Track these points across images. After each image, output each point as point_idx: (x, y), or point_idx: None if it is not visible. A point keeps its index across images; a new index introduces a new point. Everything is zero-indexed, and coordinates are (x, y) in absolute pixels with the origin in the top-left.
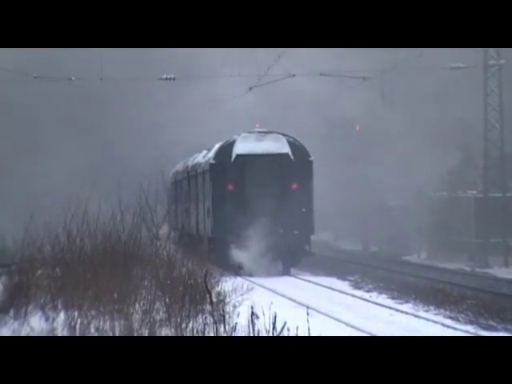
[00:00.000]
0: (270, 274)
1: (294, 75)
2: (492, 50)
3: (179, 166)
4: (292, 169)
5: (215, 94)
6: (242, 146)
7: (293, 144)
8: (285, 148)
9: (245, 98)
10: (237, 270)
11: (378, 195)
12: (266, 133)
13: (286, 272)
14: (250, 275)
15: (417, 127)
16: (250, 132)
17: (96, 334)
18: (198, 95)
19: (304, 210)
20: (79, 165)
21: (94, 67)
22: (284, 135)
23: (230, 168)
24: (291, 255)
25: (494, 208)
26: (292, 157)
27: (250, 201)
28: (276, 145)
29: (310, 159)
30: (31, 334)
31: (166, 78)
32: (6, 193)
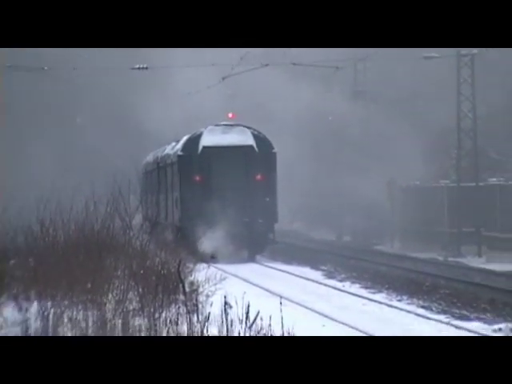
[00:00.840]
0: (235, 260)
1: (266, 65)
2: None
3: (149, 157)
4: (256, 160)
5: (188, 84)
6: (209, 139)
7: (257, 137)
8: (249, 140)
9: (218, 89)
10: (210, 260)
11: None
12: (231, 126)
13: (251, 259)
14: (216, 262)
15: (390, 120)
16: (216, 125)
17: (69, 325)
18: (170, 84)
19: (268, 199)
20: (52, 155)
21: (69, 56)
22: (249, 128)
23: (196, 159)
24: (256, 243)
25: (467, 198)
26: (256, 149)
27: (217, 191)
28: (241, 137)
29: (274, 151)
30: (4, 325)
31: (139, 68)
32: None
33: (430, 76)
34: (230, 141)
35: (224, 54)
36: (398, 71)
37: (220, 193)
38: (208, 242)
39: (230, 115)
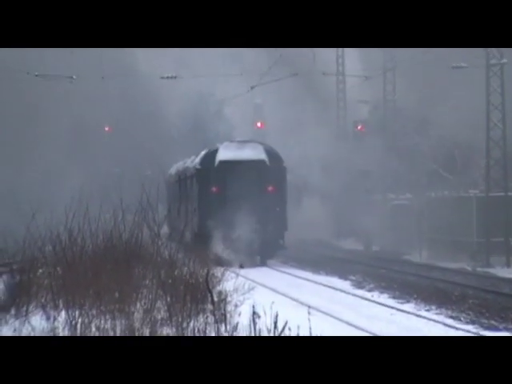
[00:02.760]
0: (248, 265)
1: (296, 74)
2: (494, 49)
3: (172, 170)
4: (268, 174)
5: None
6: (224, 154)
7: (269, 152)
8: (262, 155)
9: (246, 98)
10: (237, 268)
11: (377, 194)
12: (245, 142)
13: (263, 263)
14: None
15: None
16: (231, 141)
17: (97, 334)
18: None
19: (278, 209)
20: (80, 163)
21: (95, 63)
22: (261, 144)
23: (213, 172)
24: (267, 249)
25: (496, 207)
26: (268, 163)
27: (231, 201)
28: (254, 152)
29: (284, 165)
30: (32, 333)
31: (168, 77)
32: (8, 192)
33: (459, 86)
34: (243, 156)
35: (253, 63)
36: (425, 82)
37: (234, 203)
38: (222, 247)
39: (259, 124)
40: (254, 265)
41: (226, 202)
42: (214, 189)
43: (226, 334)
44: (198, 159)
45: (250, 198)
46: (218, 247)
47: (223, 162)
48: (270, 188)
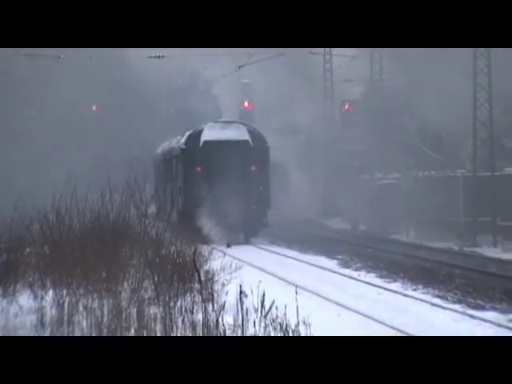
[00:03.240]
0: (232, 243)
1: (283, 54)
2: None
3: (158, 150)
4: (251, 153)
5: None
6: (209, 134)
7: (252, 132)
8: (245, 136)
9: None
10: (224, 247)
11: (365, 173)
12: (229, 122)
13: (246, 241)
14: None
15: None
16: (215, 122)
17: (84, 313)
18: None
19: (261, 188)
20: (67, 143)
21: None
22: (245, 125)
23: (198, 152)
24: (251, 227)
25: (483, 187)
26: (251, 143)
27: (216, 181)
28: (238, 133)
29: (267, 145)
30: (20, 312)
31: (155, 57)
32: None
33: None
34: (227, 136)
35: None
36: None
37: (219, 182)
38: (206, 225)
39: (246, 104)
40: (237, 242)
41: (210, 181)
42: (198, 168)
43: (213, 314)
44: (183, 139)
45: (233, 177)
46: (203, 225)
47: (207, 142)
48: (253, 167)
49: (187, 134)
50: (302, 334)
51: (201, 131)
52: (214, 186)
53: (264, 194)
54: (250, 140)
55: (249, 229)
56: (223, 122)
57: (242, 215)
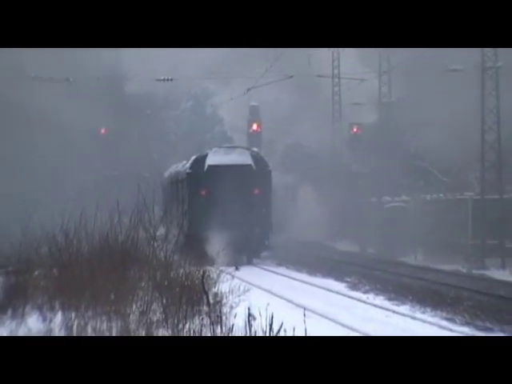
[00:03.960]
0: (235, 264)
1: (291, 76)
2: (490, 52)
3: (166, 173)
4: (254, 177)
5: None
6: (213, 159)
7: (255, 157)
8: (248, 160)
9: (242, 100)
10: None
11: (373, 196)
12: (233, 147)
13: (249, 262)
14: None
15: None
16: (220, 147)
17: (93, 335)
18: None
19: (264, 210)
20: (77, 165)
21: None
22: (248, 149)
23: (203, 176)
24: (253, 249)
25: (491, 210)
26: (254, 167)
27: (220, 203)
28: (241, 157)
29: (269, 169)
30: (29, 335)
31: (164, 79)
32: (4, 194)
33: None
34: (231, 160)
35: (249, 66)
36: (421, 84)
37: (222, 205)
38: (211, 247)
39: (255, 127)
40: (240, 264)
41: (214, 204)
42: (203, 192)
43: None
44: (188, 164)
45: (237, 200)
46: (208, 247)
47: (212, 167)
48: (256, 191)
49: (193, 158)
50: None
51: (205, 156)
52: (218, 208)
53: (266, 216)
54: (252, 164)
55: (251, 250)
56: (227, 147)
57: (244, 237)
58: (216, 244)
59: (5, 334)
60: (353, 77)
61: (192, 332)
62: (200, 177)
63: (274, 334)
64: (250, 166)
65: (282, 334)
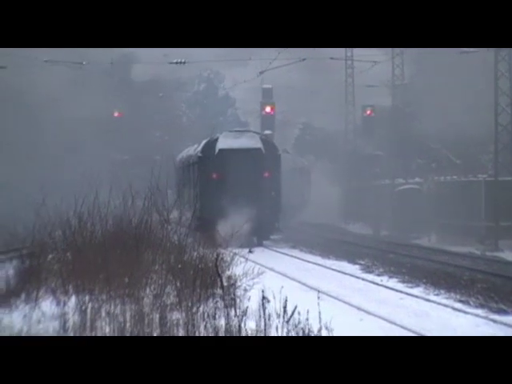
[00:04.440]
0: (247, 246)
1: (304, 59)
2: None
3: (179, 156)
4: (264, 161)
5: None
6: (224, 142)
7: (265, 141)
8: (258, 144)
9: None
10: (247, 253)
11: (386, 178)
12: (243, 131)
13: (259, 244)
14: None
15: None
16: (230, 131)
17: (107, 319)
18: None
19: (273, 193)
20: (91, 150)
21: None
22: (258, 133)
23: (213, 160)
24: (264, 231)
25: (505, 192)
26: (264, 151)
27: (230, 186)
28: (251, 141)
29: (279, 153)
30: (42, 319)
31: (177, 62)
32: (18, 178)
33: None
34: (241, 144)
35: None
36: (433, 66)
37: (233, 188)
38: (222, 230)
39: (268, 109)
40: (251, 245)
41: (225, 187)
42: (214, 175)
43: (235, 319)
44: (199, 147)
45: (247, 183)
46: (219, 230)
47: (223, 150)
48: (266, 174)
49: (203, 142)
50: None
51: (216, 140)
52: (229, 191)
53: (276, 199)
54: (262, 148)
55: (261, 233)
56: (237, 131)
57: (255, 220)
58: (227, 226)
59: (19, 318)
60: (366, 59)
61: (206, 315)
62: (211, 160)
63: (287, 316)
64: (259, 149)
65: (295, 316)
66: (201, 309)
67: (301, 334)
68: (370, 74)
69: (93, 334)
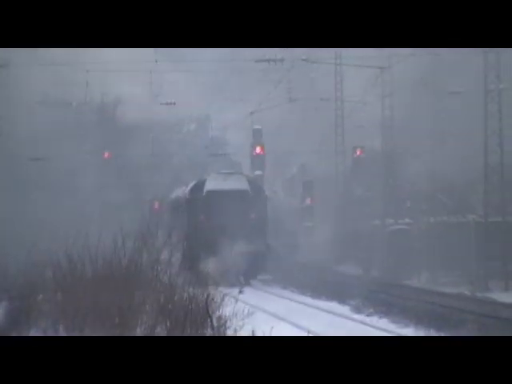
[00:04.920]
0: (237, 285)
1: (294, 100)
2: (492, 74)
3: (169, 198)
4: (250, 202)
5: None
6: (212, 184)
7: (251, 182)
8: (245, 186)
9: (245, 123)
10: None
11: (376, 219)
12: (230, 173)
13: (247, 283)
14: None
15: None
16: (218, 173)
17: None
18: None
19: (260, 234)
20: (82, 189)
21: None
22: (245, 175)
23: (201, 201)
24: (251, 270)
25: (494, 232)
26: (250, 193)
27: (217, 227)
28: (238, 183)
29: (265, 195)
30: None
31: (167, 103)
32: (9, 219)
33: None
34: (229, 186)
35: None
36: (422, 106)
37: (221, 228)
38: (210, 268)
39: (258, 150)
40: (240, 285)
41: (213, 228)
42: (201, 216)
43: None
44: (188, 189)
45: (234, 223)
46: (208, 269)
47: (210, 192)
48: (252, 215)
49: (192, 183)
50: None
51: (204, 181)
52: (216, 231)
53: (262, 239)
54: (249, 190)
55: (249, 272)
56: (225, 173)
57: (242, 259)
58: (216, 266)
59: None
60: (355, 99)
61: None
62: (199, 202)
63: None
64: (246, 191)
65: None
66: None
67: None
68: (360, 115)
69: None
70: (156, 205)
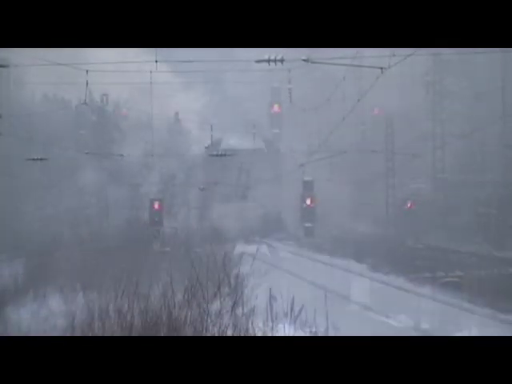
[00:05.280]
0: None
1: (306, 60)
2: None
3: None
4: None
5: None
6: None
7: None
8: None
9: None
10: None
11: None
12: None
13: (262, 241)
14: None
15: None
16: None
17: (113, 316)
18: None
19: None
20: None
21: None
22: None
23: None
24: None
25: None
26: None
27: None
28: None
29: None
30: (50, 316)
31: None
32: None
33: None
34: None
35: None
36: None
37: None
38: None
39: (276, 108)
40: (254, 242)
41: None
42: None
43: (242, 318)
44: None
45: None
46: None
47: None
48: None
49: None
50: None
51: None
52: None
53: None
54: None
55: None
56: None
57: (257, 218)
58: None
59: (27, 315)
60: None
61: (214, 313)
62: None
63: (294, 315)
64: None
65: (302, 315)
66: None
67: (308, 334)
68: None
69: (100, 332)
70: (156, 205)
